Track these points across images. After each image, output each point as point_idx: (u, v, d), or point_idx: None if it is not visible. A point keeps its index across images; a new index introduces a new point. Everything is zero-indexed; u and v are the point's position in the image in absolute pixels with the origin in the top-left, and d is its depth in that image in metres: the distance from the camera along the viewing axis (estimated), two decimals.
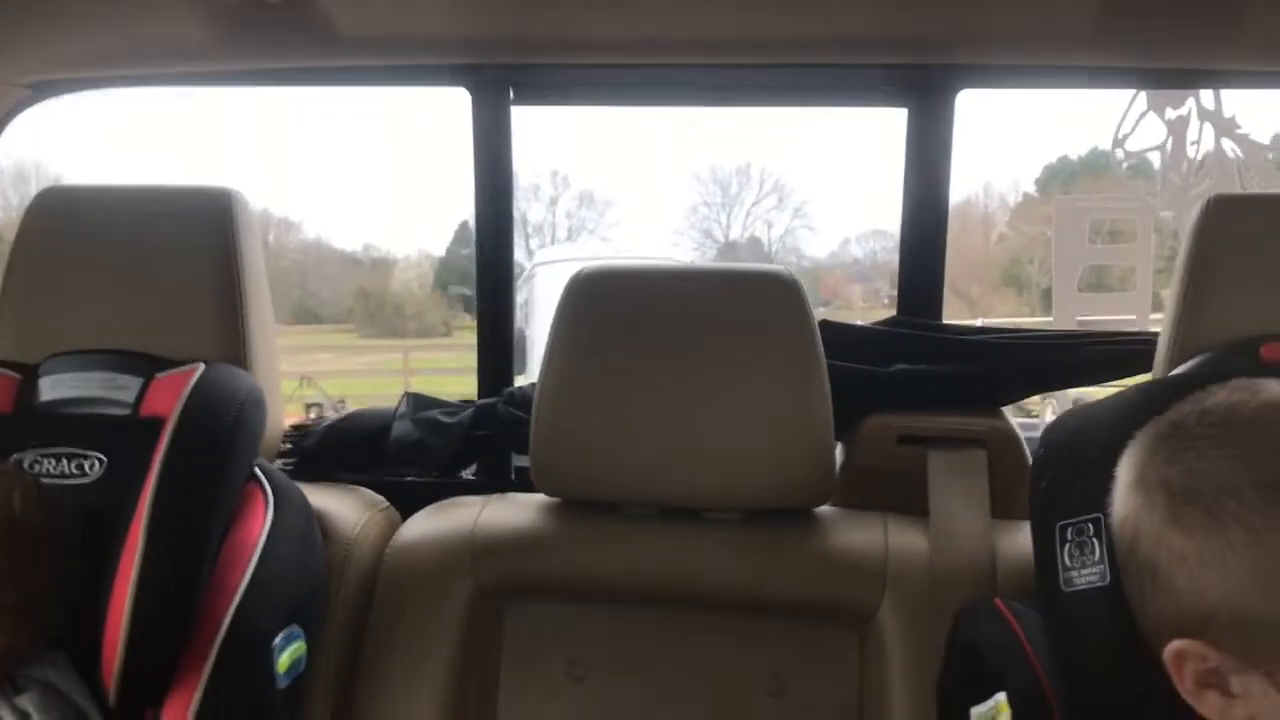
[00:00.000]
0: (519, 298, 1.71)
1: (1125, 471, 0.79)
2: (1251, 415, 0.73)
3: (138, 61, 1.54)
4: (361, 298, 13.35)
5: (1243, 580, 0.68)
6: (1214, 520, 0.69)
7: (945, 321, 1.53)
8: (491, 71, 1.55)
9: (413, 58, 1.54)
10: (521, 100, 1.58)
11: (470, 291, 1.60)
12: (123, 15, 1.37)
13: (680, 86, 1.61)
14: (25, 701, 0.93)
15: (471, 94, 1.57)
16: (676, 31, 1.43)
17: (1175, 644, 0.71)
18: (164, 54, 1.51)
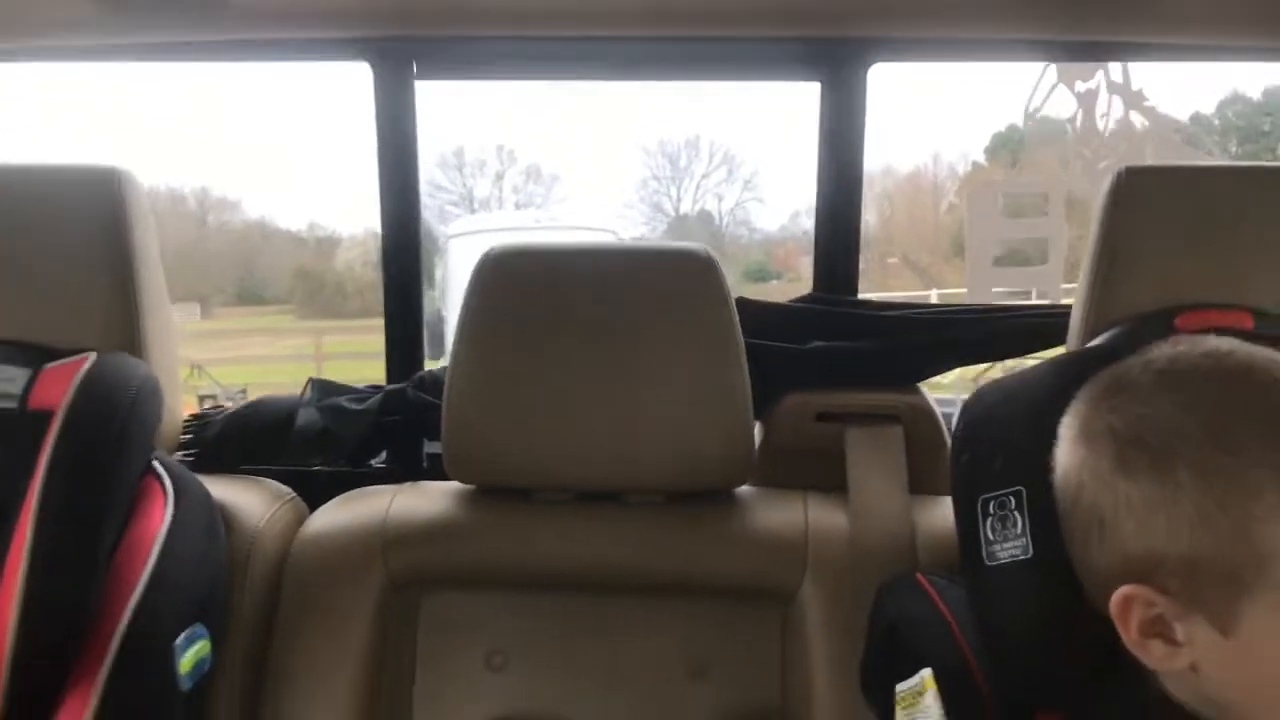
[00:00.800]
0: (436, 273, 1.67)
1: (1069, 426, 0.80)
2: (1195, 362, 0.75)
3: (17, 34, 1.47)
4: (301, 278, 13.04)
5: (1190, 522, 0.69)
6: (1161, 465, 0.71)
7: (861, 297, 1.53)
8: (393, 44, 1.51)
9: (310, 30, 1.49)
10: (425, 74, 1.54)
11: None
12: None
13: (588, 60, 1.58)
14: None
15: (373, 68, 1.52)
16: (585, 3, 1.40)
17: (1122, 590, 0.72)
18: (46, 27, 1.44)
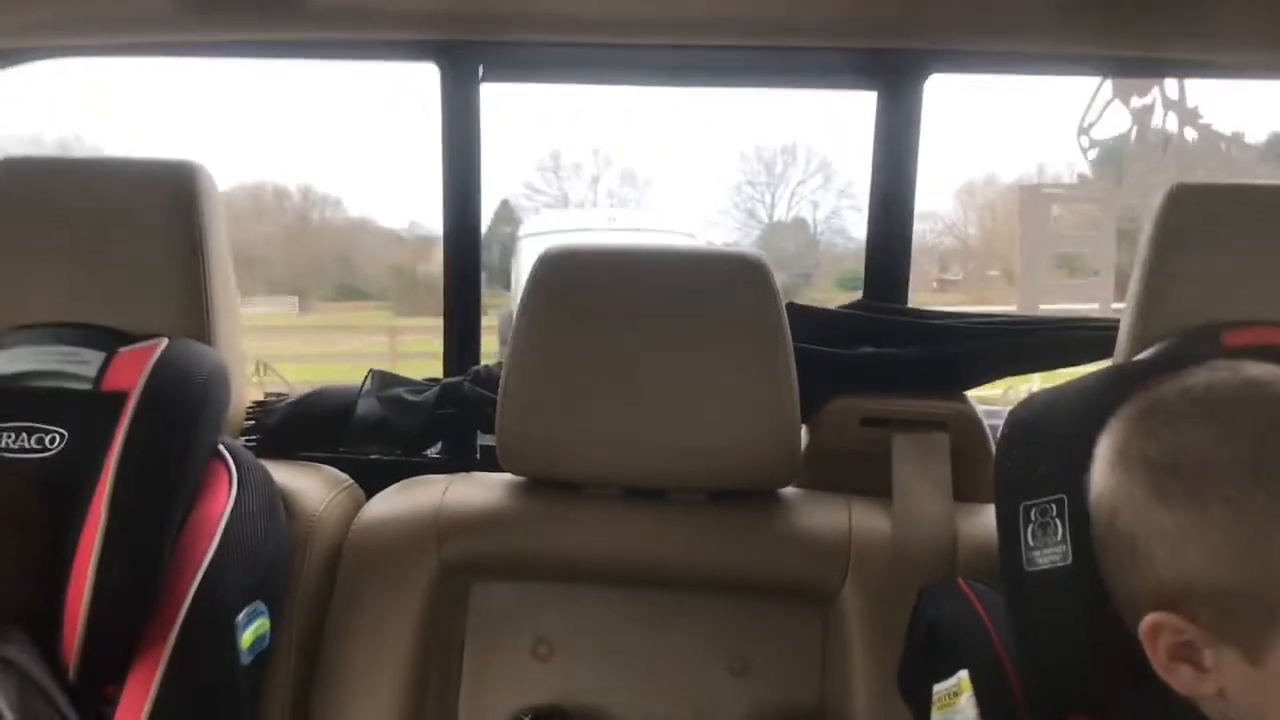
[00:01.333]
0: (511, 273, 1.69)
1: (1105, 448, 0.80)
2: (1233, 392, 0.74)
3: (99, 30, 1.51)
4: (396, 275, 13.09)
5: (1222, 553, 0.69)
6: (1195, 494, 0.70)
7: (911, 306, 1.54)
8: (460, 48, 1.54)
9: (380, 32, 1.53)
10: (491, 77, 1.57)
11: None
12: None
13: (649, 67, 1.61)
14: None
15: (440, 70, 1.56)
16: (647, 11, 1.42)
17: (1152, 616, 0.72)
18: (125, 23, 1.48)
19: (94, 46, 1.57)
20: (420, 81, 1.57)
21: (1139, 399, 0.80)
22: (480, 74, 1.56)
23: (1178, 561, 0.71)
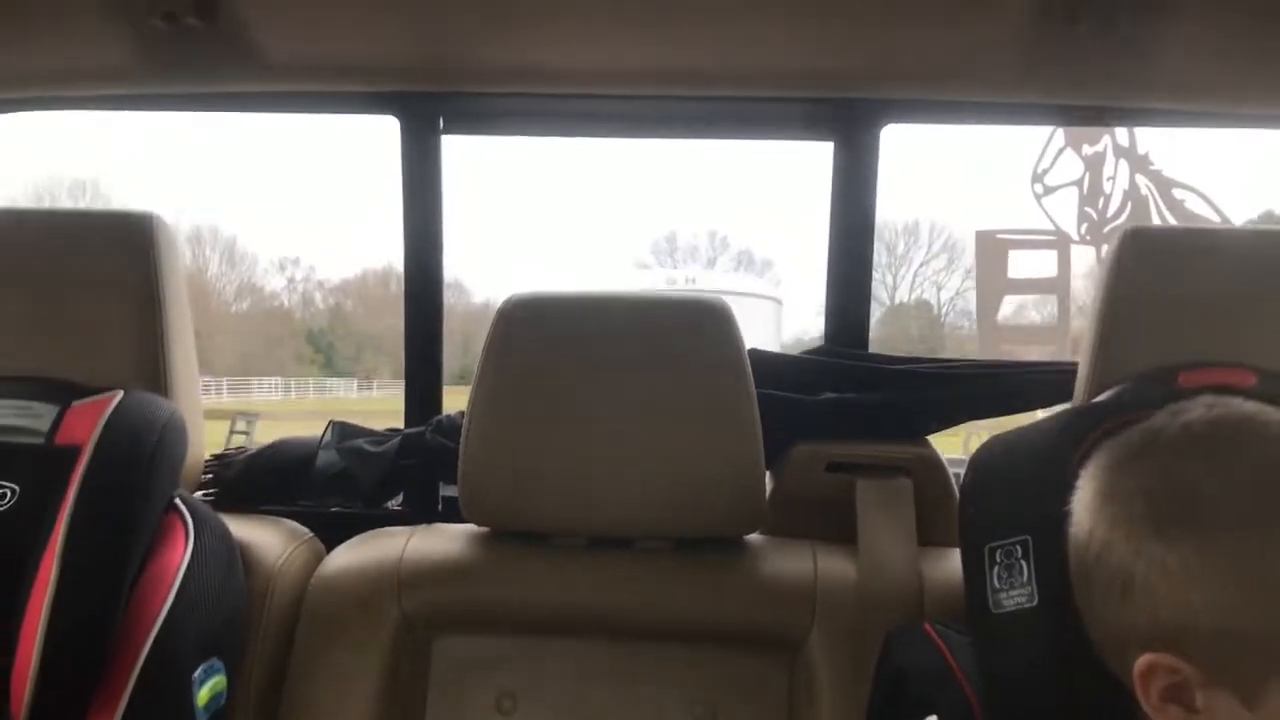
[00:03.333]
0: None
1: (1093, 480, 0.79)
2: (1236, 428, 0.74)
3: (59, 84, 1.51)
4: None
5: (1228, 594, 0.68)
6: (1202, 533, 0.70)
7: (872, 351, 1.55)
8: (420, 100, 1.55)
9: (340, 84, 1.53)
10: (451, 129, 1.57)
11: None
12: (43, 37, 1.34)
13: (609, 118, 1.62)
14: None
15: (400, 122, 1.56)
16: (606, 62, 1.44)
17: (1147, 657, 0.71)
18: (86, 77, 1.48)
19: (52, 99, 1.56)
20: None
21: (1133, 434, 0.79)
22: (441, 126, 1.56)
23: (1179, 600, 0.70)
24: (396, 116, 1.56)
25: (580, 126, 1.65)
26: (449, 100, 1.56)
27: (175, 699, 0.98)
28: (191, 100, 1.58)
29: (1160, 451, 0.75)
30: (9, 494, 1.04)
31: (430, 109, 1.56)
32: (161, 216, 1.20)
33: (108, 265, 1.17)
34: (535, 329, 1.18)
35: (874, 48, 1.37)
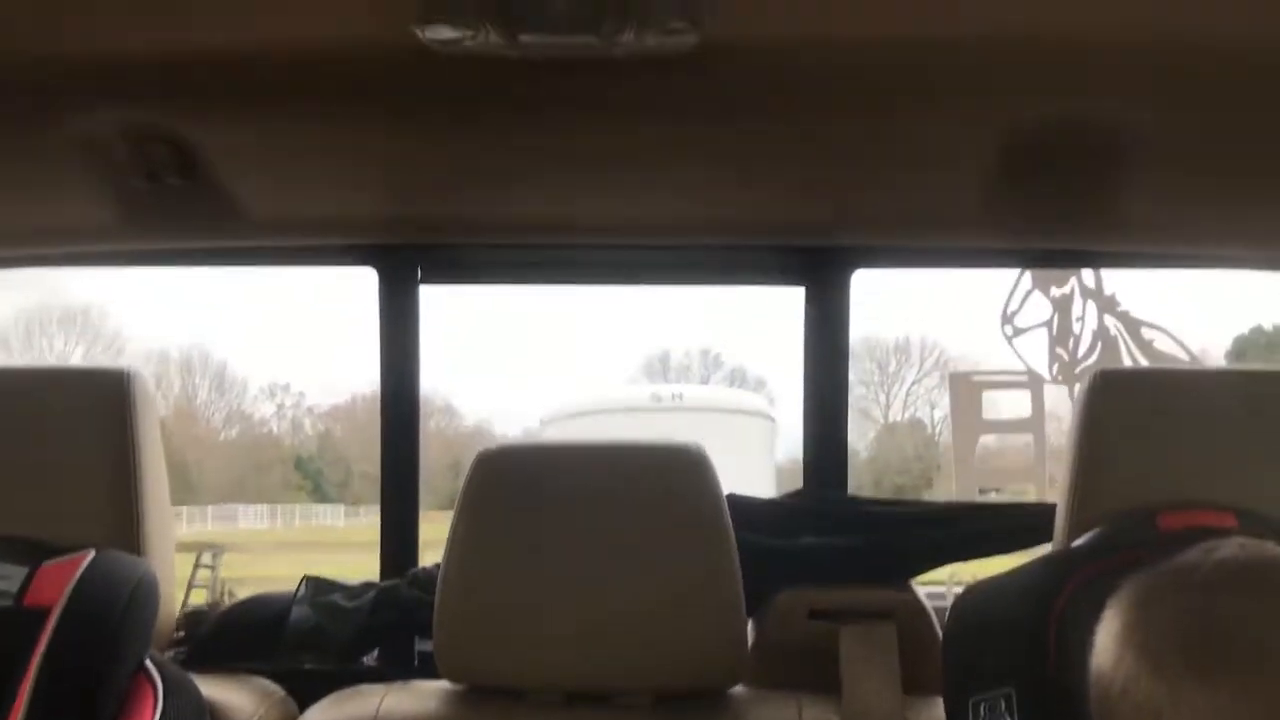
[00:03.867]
0: None
1: (1121, 614, 0.77)
2: (1274, 569, 0.74)
3: (37, 241, 1.53)
4: None
5: None
6: (1237, 673, 0.68)
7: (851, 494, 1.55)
8: (397, 252, 1.57)
9: (318, 238, 1.56)
10: (429, 279, 1.59)
11: None
12: (26, 197, 1.37)
13: (585, 266, 1.65)
14: None
15: (379, 274, 1.58)
16: (580, 215, 1.47)
17: None
18: (69, 235, 1.51)
19: (34, 258, 1.58)
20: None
21: (1160, 569, 0.78)
22: (419, 276, 1.59)
23: None
24: (374, 268, 1.58)
25: (557, 275, 1.68)
26: (426, 252, 1.59)
27: None
28: (174, 255, 1.60)
29: (1195, 587, 0.74)
30: None
31: (408, 260, 1.58)
32: (139, 371, 1.20)
33: (82, 423, 1.17)
34: (509, 481, 1.18)
35: (842, 198, 1.40)
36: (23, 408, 1.18)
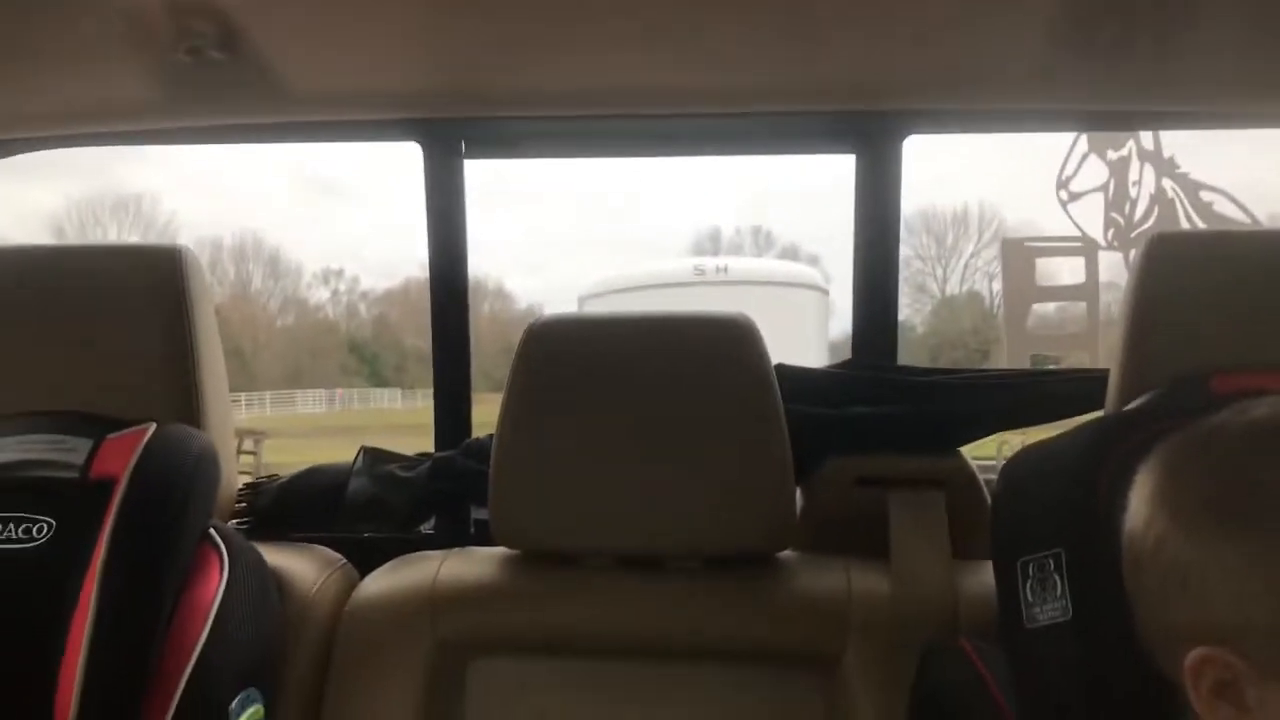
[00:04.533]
0: None
1: (1153, 474, 0.78)
2: None
3: (82, 120, 1.53)
4: None
5: None
6: (1265, 529, 0.68)
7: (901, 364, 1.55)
8: (442, 126, 1.56)
9: (363, 112, 1.55)
10: (474, 154, 1.59)
11: None
12: (66, 73, 1.36)
13: (630, 137, 1.63)
14: None
15: (423, 148, 1.57)
16: (625, 83, 1.44)
17: (1199, 651, 0.70)
18: (108, 112, 1.50)
19: (78, 136, 1.58)
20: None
21: (1194, 431, 0.78)
22: (463, 150, 1.57)
23: (1239, 596, 0.69)
24: (419, 143, 1.57)
25: (602, 147, 1.65)
26: (470, 125, 1.57)
27: None
28: (216, 132, 1.60)
29: (1225, 446, 0.74)
30: (46, 528, 1.05)
31: (452, 134, 1.57)
32: (190, 249, 1.21)
33: (138, 299, 1.19)
34: (559, 351, 1.19)
35: (895, 60, 1.36)
36: (79, 286, 1.20)
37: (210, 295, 1.23)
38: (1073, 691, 0.83)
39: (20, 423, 1.12)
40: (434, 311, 1.62)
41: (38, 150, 1.59)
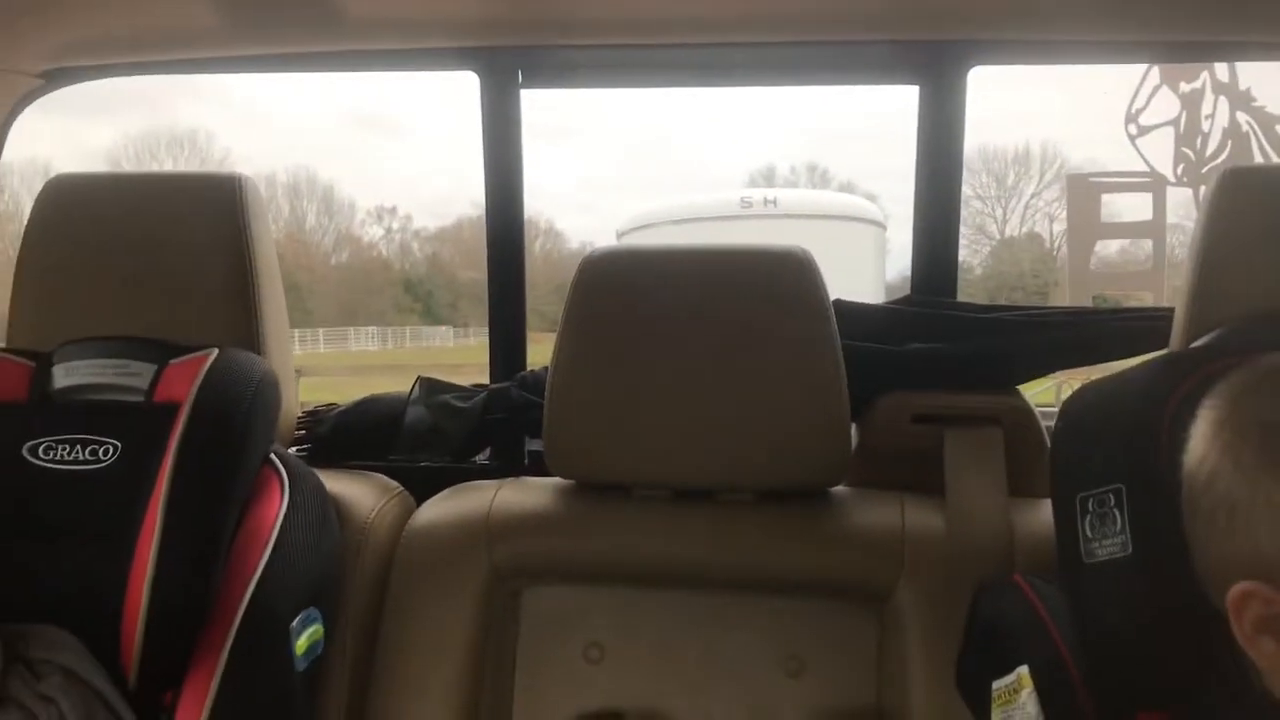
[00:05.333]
0: None
1: (1211, 410, 0.78)
2: None
3: (144, 48, 1.54)
4: None
5: None
6: None
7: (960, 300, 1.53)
8: (499, 54, 1.55)
9: (420, 41, 1.54)
10: (530, 83, 1.57)
11: None
12: (126, 3, 1.37)
13: (689, 66, 1.61)
14: (48, 687, 0.93)
15: (480, 77, 1.56)
16: (685, 10, 1.42)
17: (1243, 585, 0.71)
18: (170, 40, 1.51)
19: (137, 64, 1.59)
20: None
21: (1258, 365, 0.78)
22: (519, 79, 1.56)
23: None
24: (476, 72, 1.56)
25: (658, 76, 1.63)
26: (527, 54, 1.56)
27: (274, 647, 1.01)
28: (275, 61, 1.60)
29: (1278, 384, 0.74)
30: (112, 450, 1.07)
31: (508, 63, 1.56)
32: (250, 177, 1.22)
33: (199, 226, 1.20)
34: (615, 284, 1.18)
35: None
36: (144, 212, 1.21)
37: (268, 221, 1.24)
38: (1129, 625, 0.83)
39: (87, 347, 1.14)
40: (490, 243, 1.62)
41: (100, 79, 1.61)
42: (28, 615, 0.97)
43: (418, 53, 1.58)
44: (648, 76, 1.63)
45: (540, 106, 1.61)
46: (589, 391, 1.17)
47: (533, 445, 1.59)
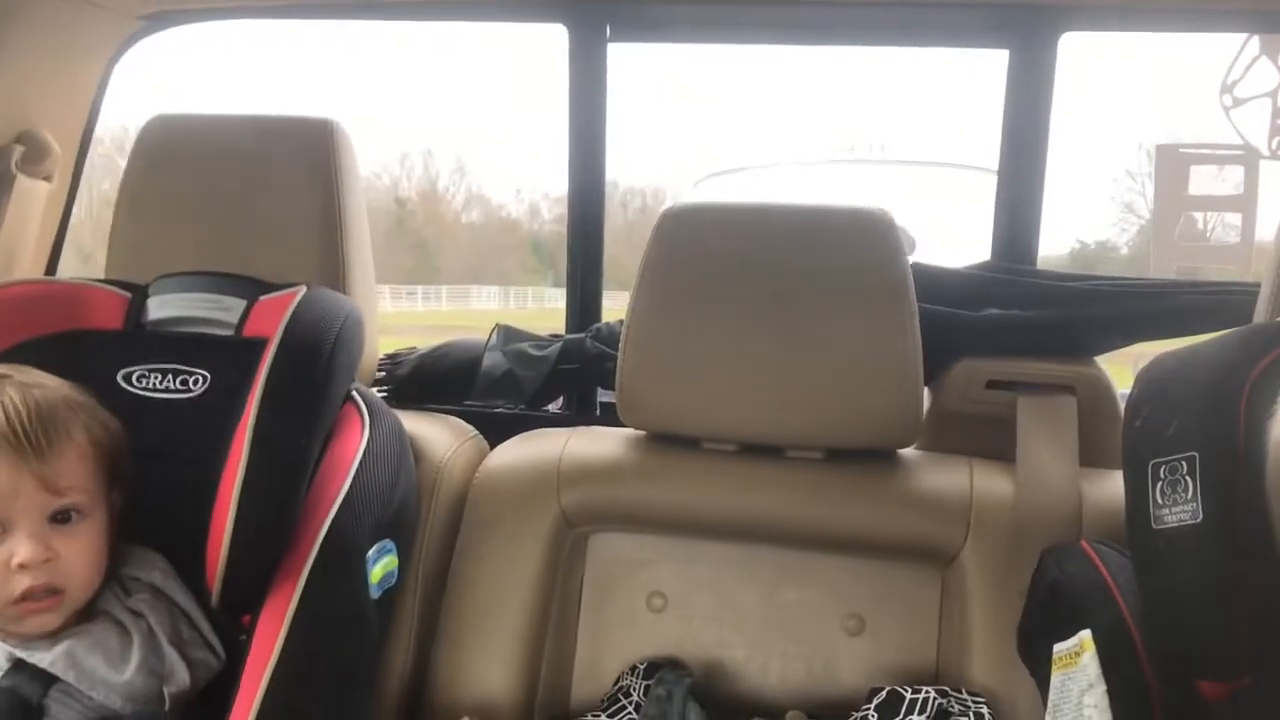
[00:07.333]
0: None
1: None
2: None
3: None
4: None
5: None
6: None
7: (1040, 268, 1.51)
8: (588, 7, 1.55)
9: None
10: (618, 37, 1.58)
11: None
12: None
13: (776, 25, 1.60)
14: (137, 603, 0.98)
15: (569, 30, 1.57)
16: None
17: None
18: None
19: (238, 9, 1.62)
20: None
21: None
22: (608, 34, 1.57)
23: None
24: (565, 24, 1.57)
25: (746, 33, 1.63)
26: (616, 8, 1.56)
27: (351, 574, 1.04)
28: (364, 9, 1.62)
29: None
30: (201, 380, 1.12)
31: (598, 17, 1.56)
32: (340, 122, 1.24)
33: (291, 168, 1.23)
34: (693, 238, 1.19)
35: None
36: (240, 153, 1.25)
37: (358, 165, 1.26)
38: (1196, 593, 0.82)
39: (180, 281, 1.18)
40: (571, 198, 1.63)
41: (201, 21, 1.64)
42: (120, 535, 1.01)
43: (507, 4, 1.59)
44: (736, 32, 1.63)
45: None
46: (663, 343, 1.18)
47: (604, 397, 1.61)
